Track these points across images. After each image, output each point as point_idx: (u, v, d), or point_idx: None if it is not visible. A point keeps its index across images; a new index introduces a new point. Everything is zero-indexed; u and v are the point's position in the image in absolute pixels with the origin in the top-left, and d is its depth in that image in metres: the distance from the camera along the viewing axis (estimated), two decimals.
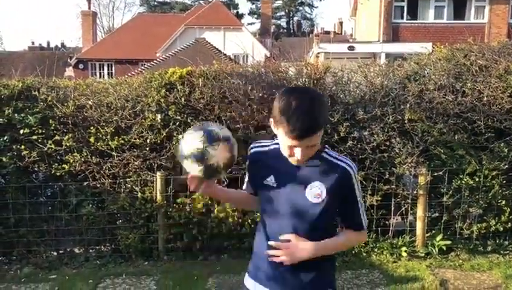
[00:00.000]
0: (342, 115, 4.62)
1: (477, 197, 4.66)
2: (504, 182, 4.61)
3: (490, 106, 4.61)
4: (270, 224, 1.88)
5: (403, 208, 4.84)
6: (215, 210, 4.61)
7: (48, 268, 4.54)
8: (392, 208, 4.82)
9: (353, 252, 4.66)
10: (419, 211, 4.70)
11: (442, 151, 4.63)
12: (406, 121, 4.62)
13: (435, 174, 4.62)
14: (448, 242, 4.61)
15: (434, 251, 4.59)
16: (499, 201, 4.64)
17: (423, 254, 4.59)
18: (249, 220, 4.64)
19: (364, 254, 4.64)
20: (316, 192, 1.80)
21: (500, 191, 4.60)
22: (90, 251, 4.85)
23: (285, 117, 1.71)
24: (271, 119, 1.82)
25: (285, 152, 1.80)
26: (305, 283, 1.85)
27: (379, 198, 4.69)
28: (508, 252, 4.60)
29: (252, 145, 2.01)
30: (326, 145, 1.92)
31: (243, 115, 4.58)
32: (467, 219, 4.77)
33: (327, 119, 1.97)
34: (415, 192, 4.76)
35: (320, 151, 1.86)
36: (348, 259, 4.57)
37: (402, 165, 4.66)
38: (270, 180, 1.87)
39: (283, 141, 1.78)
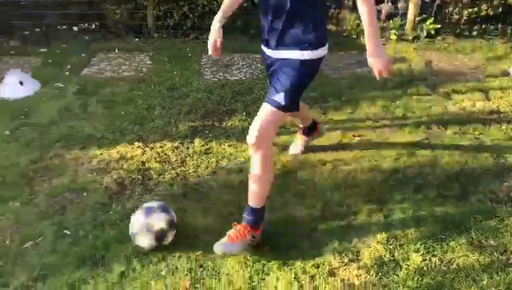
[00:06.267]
0: None
1: None
2: None
3: None
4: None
5: None
6: None
7: (35, 43, 4.42)
8: None
9: (344, 34, 4.71)
10: None
11: None
12: None
13: None
14: (438, 26, 4.68)
15: (422, 34, 4.68)
16: None
17: (411, 38, 4.68)
18: None
19: (354, 37, 4.70)
20: None
21: None
22: (75, 28, 4.68)
23: None
24: None
25: None
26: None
27: None
28: (491, 36, 4.74)
29: None
30: None
31: None
32: (459, 3, 4.76)
33: None
34: None
35: None
36: (339, 40, 4.64)
37: None
38: None
39: None
